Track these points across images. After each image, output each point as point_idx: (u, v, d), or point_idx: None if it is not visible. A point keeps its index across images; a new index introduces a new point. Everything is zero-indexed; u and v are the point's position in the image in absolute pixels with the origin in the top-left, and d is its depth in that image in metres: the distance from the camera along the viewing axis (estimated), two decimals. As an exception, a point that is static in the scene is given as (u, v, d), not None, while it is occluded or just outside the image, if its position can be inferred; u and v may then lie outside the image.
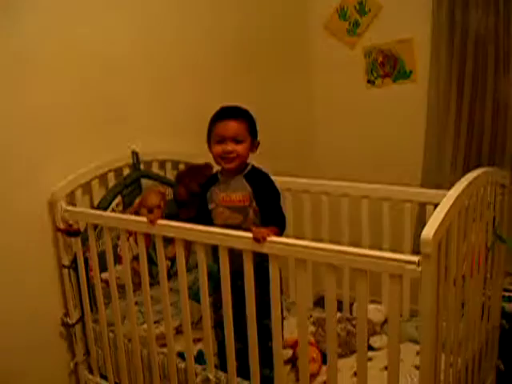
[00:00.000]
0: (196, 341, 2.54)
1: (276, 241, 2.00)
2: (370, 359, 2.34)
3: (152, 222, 2.30)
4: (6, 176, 2.49)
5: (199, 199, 2.55)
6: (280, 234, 2.20)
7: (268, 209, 2.36)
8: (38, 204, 2.62)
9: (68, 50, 2.66)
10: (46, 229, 2.67)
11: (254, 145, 2.43)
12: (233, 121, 2.36)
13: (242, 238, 2.07)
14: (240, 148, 2.35)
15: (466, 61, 3.52)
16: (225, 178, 2.45)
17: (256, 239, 2.03)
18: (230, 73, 3.54)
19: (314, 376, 2.41)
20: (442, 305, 1.84)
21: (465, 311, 2.23)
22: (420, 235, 1.69)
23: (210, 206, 2.46)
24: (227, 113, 2.40)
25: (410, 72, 3.86)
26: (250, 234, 2.05)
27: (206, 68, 3.37)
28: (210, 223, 2.39)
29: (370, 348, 2.56)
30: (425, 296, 1.71)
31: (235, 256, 2.13)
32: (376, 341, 2.65)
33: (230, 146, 2.34)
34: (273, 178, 2.43)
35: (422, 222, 3.12)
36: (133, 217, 2.56)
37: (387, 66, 3.95)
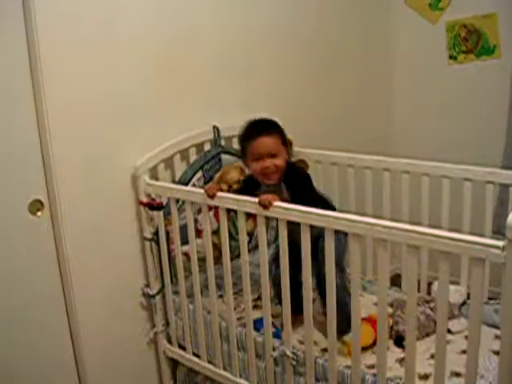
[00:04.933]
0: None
1: (356, 220, 2.00)
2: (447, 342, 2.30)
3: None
4: (92, 152, 2.59)
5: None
6: None
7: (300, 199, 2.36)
8: (122, 178, 2.71)
9: (151, 33, 2.73)
10: (129, 202, 2.76)
11: (289, 151, 2.52)
12: (266, 137, 2.43)
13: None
14: (278, 161, 2.44)
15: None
16: (266, 186, 2.49)
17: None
18: (307, 50, 3.53)
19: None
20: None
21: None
22: (501, 216, 1.65)
23: None
24: (258, 130, 2.46)
25: (495, 47, 3.74)
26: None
27: (284, 44, 3.36)
28: None
29: (448, 331, 2.51)
30: (509, 282, 1.68)
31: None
32: (454, 324, 2.57)
33: (268, 162, 2.43)
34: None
35: (502, 203, 3.06)
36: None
37: (470, 42, 3.84)
